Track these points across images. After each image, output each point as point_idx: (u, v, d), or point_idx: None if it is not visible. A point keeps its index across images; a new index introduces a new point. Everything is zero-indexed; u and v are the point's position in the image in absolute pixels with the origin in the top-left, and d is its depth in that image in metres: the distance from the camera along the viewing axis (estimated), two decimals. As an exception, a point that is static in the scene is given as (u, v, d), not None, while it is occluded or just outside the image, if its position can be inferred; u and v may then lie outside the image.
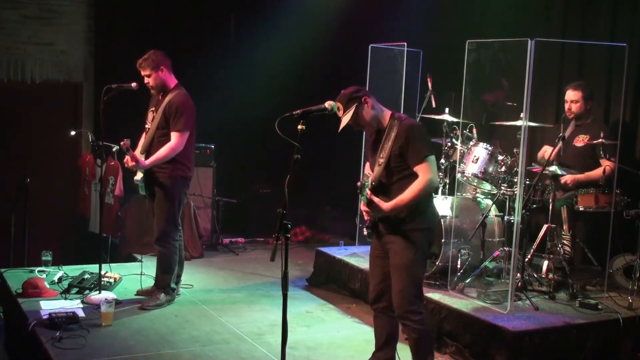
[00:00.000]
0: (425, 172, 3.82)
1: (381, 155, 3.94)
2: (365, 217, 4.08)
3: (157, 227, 5.37)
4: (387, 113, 4.01)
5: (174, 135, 5.23)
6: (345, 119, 3.92)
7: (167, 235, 5.35)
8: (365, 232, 4.14)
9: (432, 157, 3.87)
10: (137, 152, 5.37)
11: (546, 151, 5.86)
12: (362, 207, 4.00)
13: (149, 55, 5.30)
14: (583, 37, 6.24)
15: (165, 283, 5.42)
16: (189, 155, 5.39)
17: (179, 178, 5.33)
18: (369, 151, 4.18)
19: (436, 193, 5.69)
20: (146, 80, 5.33)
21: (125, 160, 5.25)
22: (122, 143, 5.14)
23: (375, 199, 3.87)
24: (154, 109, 5.41)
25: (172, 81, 5.38)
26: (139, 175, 5.35)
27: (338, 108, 3.92)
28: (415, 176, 3.85)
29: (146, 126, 5.43)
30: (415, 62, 6.42)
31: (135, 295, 5.55)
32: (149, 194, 5.42)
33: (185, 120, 5.22)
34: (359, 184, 4.01)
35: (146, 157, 5.27)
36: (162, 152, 5.23)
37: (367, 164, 4.20)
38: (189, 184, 5.51)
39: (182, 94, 5.32)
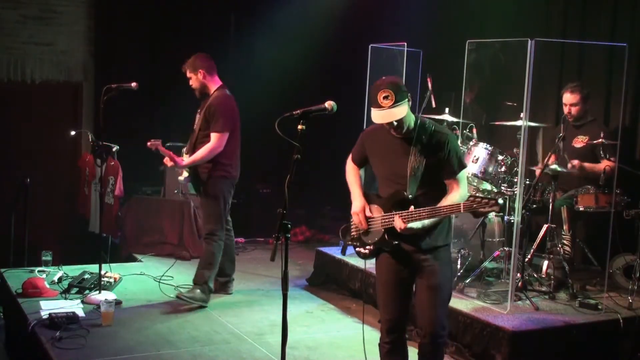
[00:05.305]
0: (464, 185, 3.63)
1: (411, 167, 3.57)
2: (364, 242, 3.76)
3: (203, 225, 5.63)
4: (413, 116, 3.61)
5: (212, 136, 5.35)
6: (397, 113, 3.46)
7: (212, 233, 5.48)
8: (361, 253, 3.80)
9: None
10: (183, 153, 5.53)
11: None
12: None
13: (192, 58, 5.49)
14: (583, 37, 6.23)
15: (203, 279, 5.43)
16: (231, 156, 5.49)
17: (220, 178, 5.45)
18: (389, 154, 3.67)
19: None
20: (190, 82, 5.48)
21: (165, 160, 5.40)
22: (149, 144, 5.27)
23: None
24: (200, 111, 5.53)
25: (214, 84, 5.49)
26: (182, 175, 5.54)
27: (387, 97, 3.43)
28: (438, 188, 3.61)
29: (194, 127, 5.54)
30: (415, 62, 6.41)
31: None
32: (197, 193, 5.64)
33: (223, 122, 5.34)
34: (354, 233, 3.81)
35: None
36: (200, 152, 5.36)
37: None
38: (233, 184, 5.61)
39: (222, 95, 5.44)
